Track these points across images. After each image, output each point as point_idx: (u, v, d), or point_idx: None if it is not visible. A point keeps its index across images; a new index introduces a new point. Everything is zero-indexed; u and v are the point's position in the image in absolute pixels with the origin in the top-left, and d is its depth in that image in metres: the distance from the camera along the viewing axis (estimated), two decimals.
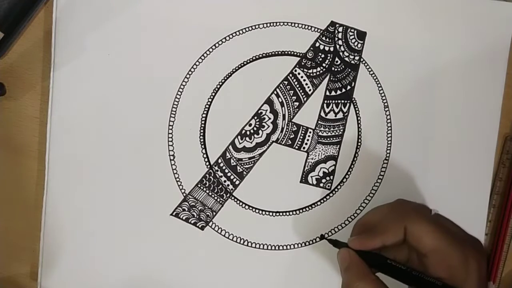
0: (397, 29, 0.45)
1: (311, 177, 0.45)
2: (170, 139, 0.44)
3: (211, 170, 0.44)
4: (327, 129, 0.45)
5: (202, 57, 0.44)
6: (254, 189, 0.44)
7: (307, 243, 0.44)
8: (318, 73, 0.45)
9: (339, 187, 0.45)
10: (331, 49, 0.45)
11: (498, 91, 0.45)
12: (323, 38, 0.45)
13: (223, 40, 0.44)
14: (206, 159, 0.44)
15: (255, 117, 0.45)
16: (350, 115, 0.45)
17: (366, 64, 0.45)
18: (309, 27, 0.45)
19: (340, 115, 0.45)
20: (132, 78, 0.44)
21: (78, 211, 0.44)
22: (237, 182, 0.44)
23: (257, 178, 0.44)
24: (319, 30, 0.45)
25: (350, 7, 0.45)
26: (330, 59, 0.45)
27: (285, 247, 0.44)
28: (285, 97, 0.45)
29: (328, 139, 0.45)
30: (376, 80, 0.45)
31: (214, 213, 0.44)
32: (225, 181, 0.44)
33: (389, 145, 0.45)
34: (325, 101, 0.45)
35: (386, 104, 0.45)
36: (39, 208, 0.44)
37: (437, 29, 0.45)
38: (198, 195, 0.44)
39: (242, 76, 0.44)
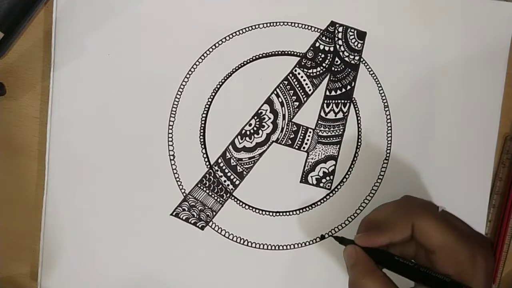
0: (397, 29, 0.45)
1: (311, 177, 0.45)
2: (170, 139, 0.44)
3: (211, 170, 0.44)
4: (327, 129, 0.45)
5: (202, 57, 0.44)
6: (254, 189, 0.44)
7: (307, 243, 0.44)
8: (318, 73, 0.45)
9: (339, 187, 0.45)
10: (331, 49, 0.45)
11: (498, 91, 0.45)
12: (323, 38, 0.45)
13: (223, 40, 0.44)
14: (206, 159, 0.44)
15: (255, 117, 0.45)
16: (350, 115, 0.45)
17: (366, 64, 0.45)
18: (309, 27, 0.45)
19: (340, 115, 0.45)
20: (132, 78, 0.44)
21: (78, 211, 0.44)
22: (237, 182, 0.44)
23: (257, 178, 0.44)
24: (319, 30, 0.45)
25: (350, 7, 0.45)
26: (330, 59, 0.45)
27: (285, 247, 0.44)
28: (285, 97, 0.45)
29: (328, 139, 0.45)
30: (376, 80, 0.45)
31: (214, 213, 0.44)
32: (225, 181, 0.44)
33: (389, 145, 0.45)
34: (325, 101, 0.45)
35: (386, 104, 0.45)
36: (39, 208, 0.44)
37: (437, 29, 0.45)
38: (198, 195, 0.44)
39: (242, 76, 0.44)
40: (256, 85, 0.45)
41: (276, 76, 0.45)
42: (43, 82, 0.45)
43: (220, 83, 0.44)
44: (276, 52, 0.45)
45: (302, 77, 0.45)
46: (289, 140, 0.45)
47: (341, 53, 0.45)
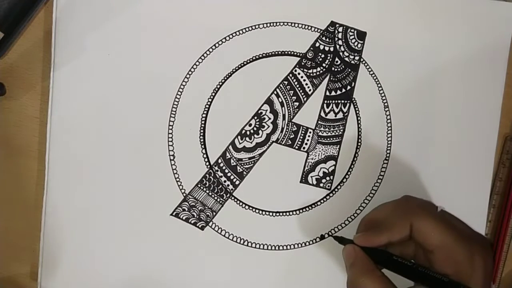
0: (397, 29, 0.45)
1: (311, 177, 0.45)
2: (170, 139, 0.44)
3: (211, 170, 0.44)
4: (327, 129, 0.45)
5: (202, 57, 0.44)
6: (254, 189, 0.44)
7: (307, 243, 0.44)
8: (318, 73, 0.45)
9: (339, 187, 0.45)
10: (331, 49, 0.45)
11: (498, 91, 0.45)
12: (323, 38, 0.45)
13: (223, 40, 0.44)
14: (206, 159, 0.44)
15: (255, 117, 0.45)
16: (350, 115, 0.45)
17: (366, 64, 0.45)
18: (309, 27, 0.45)
19: (340, 115, 0.45)
20: (132, 78, 0.44)
21: (78, 211, 0.44)
22: (237, 182, 0.44)
23: (257, 178, 0.44)
24: (319, 30, 0.45)
25: (350, 7, 0.45)
26: (330, 59, 0.45)
27: (285, 247, 0.44)
28: (285, 97, 0.45)
29: (328, 139, 0.45)
30: (376, 80, 0.45)
31: (214, 213, 0.44)
32: (225, 181, 0.44)
33: (389, 145, 0.45)
34: (325, 101, 0.45)
35: (386, 104, 0.45)
36: (39, 208, 0.44)
37: (437, 29, 0.45)
38: (198, 195, 0.44)
39: (242, 76, 0.44)
40: (256, 85, 0.45)
41: (276, 76, 0.45)
42: (43, 82, 0.45)
43: (220, 83, 0.44)
44: (276, 52, 0.45)
45: (302, 77, 0.45)
46: (289, 140, 0.45)
47: (341, 53, 0.45)
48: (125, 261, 0.44)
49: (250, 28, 0.45)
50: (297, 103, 0.45)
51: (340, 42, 0.45)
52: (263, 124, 0.45)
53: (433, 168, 0.45)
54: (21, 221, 0.45)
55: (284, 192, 0.44)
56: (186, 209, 0.44)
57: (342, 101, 0.45)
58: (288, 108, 0.45)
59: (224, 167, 0.44)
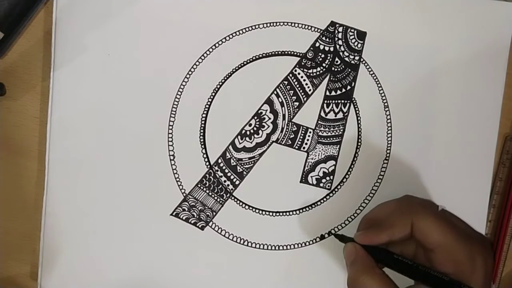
0: (397, 29, 0.45)
1: (311, 177, 0.45)
2: (170, 139, 0.44)
3: (211, 170, 0.44)
4: (327, 129, 0.45)
5: (202, 57, 0.44)
6: (254, 189, 0.44)
7: (307, 243, 0.44)
8: (318, 73, 0.45)
9: (339, 187, 0.45)
10: (331, 49, 0.45)
11: (498, 91, 0.45)
12: (323, 38, 0.45)
13: (223, 40, 0.44)
14: (206, 159, 0.44)
15: (255, 117, 0.45)
16: (350, 115, 0.45)
17: (366, 64, 0.45)
18: (309, 27, 0.45)
19: (340, 115, 0.45)
20: (132, 78, 0.44)
21: (78, 211, 0.44)
22: (237, 182, 0.44)
23: (257, 178, 0.44)
24: (319, 30, 0.45)
25: (350, 7, 0.45)
26: (330, 59, 0.45)
27: (285, 247, 0.44)
28: (285, 97, 0.45)
29: (328, 139, 0.45)
30: (376, 80, 0.45)
31: (214, 213, 0.44)
32: (225, 181, 0.44)
33: (389, 145, 0.45)
34: (325, 101, 0.45)
35: (386, 104, 0.45)
36: (39, 208, 0.44)
37: (437, 29, 0.45)
38: (198, 195, 0.44)
39: (242, 76, 0.44)
40: (256, 85, 0.45)
41: (276, 76, 0.45)
42: (43, 82, 0.45)
43: (220, 83, 0.44)
44: (276, 52, 0.45)
45: (302, 77, 0.45)
46: (289, 140, 0.45)
47: (341, 53, 0.45)
48: (125, 261, 0.44)
49: (250, 28, 0.45)
50: (297, 103, 0.45)
51: (340, 42, 0.45)
52: (263, 124, 0.45)
53: (433, 168, 0.45)
54: (21, 221, 0.45)
55: (284, 192, 0.44)
56: (186, 209, 0.44)
57: (342, 101, 0.45)
58: (288, 108, 0.45)
59: (224, 167, 0.44)
